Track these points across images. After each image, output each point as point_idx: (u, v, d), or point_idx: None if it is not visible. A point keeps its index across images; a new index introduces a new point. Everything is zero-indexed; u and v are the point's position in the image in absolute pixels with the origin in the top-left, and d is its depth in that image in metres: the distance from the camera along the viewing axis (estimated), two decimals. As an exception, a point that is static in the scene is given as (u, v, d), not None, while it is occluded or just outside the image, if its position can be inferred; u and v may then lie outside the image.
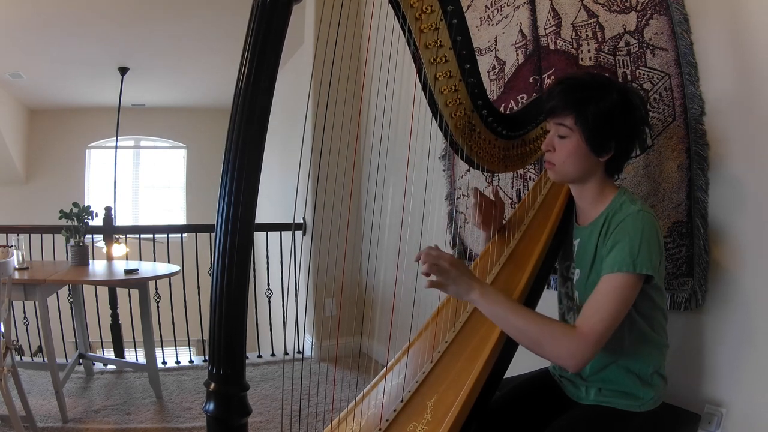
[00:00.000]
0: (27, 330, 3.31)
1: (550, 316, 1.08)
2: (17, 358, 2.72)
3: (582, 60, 1.70)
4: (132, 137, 6.72)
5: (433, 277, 1.05)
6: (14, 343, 2.35)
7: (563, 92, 1.12)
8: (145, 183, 6.96)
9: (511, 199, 2.04)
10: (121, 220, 5.54)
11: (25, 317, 3.33)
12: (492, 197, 1.42)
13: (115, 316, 3.47)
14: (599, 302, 1.02)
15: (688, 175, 1.38)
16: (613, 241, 1.07)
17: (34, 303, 2.51)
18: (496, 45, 2.13)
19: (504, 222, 1.46)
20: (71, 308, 3.03)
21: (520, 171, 1.96)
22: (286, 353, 3.41)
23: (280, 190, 4.80)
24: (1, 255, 2.20)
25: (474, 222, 1.43)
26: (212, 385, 0.76)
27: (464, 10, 1.13)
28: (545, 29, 1.86)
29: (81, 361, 2.91)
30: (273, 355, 3.37)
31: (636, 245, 1.02)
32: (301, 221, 3.42)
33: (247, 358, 2.71)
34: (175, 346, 3.67)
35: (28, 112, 6.15)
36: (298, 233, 3.44)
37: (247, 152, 0.76)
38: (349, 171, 3.09)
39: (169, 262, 3.11)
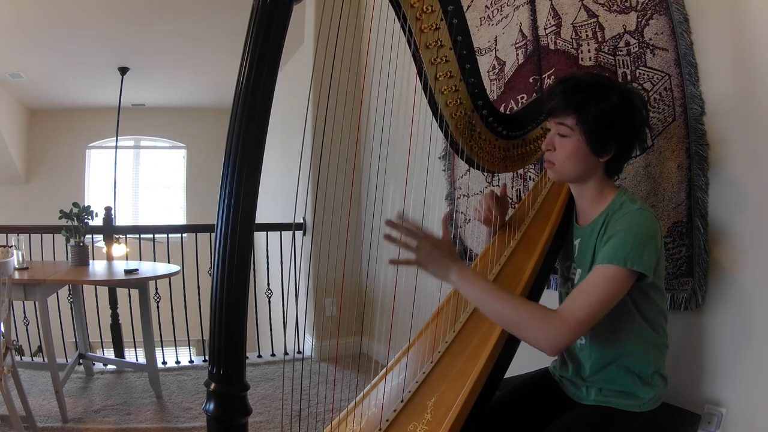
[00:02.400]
0: (27, 330, 3.31)
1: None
2: (17, 358, 2.72)
3: (582, 60, 1.70)
4: (132, 137, 6.72)
5: (411, 255, 1.04)
6: (14, 343, 2.34)
7: (565, 92, 1.12)
8: (145, 183, 6.96)
9: (512, 199, 2.03)
10: (121, 220, 5.54)
11: (25, 317, 3.33)
12: (499, 194, 1.44)
13: (115, 316, 3.47)
14: (584, 290, 1.02)
15: (688, 175, 1.38)
16: (609, 234, 1.07)
17: (34, 303, 2.51)
18: (496, 45, 2.13)
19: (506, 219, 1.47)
20: (71, 308, 3.03)
21: (520, 171, 1.96)
22: (286, 353, 3.41)
23: (280, 190, 4.80)
24: (1, 255, 2.20)
25: (479, 217, 1.45)
26: (212, 385, 0.76)
27: (464, 10, 1.13)
28: (545, 29, 1.86)
29: (81, 361, 2.91)
30: (273, 355, 3.37)
31: (630, 241, 1.02)
32: (301, 221, 3.42)
33: (247, 358, 2.70)
34: (175, 346, 3.67)
35: (28, 112, 6.15)
36: (298, 233, 3.44)
37: (247, 152, 0.76)
38: (349, 170, 3.09)
39: (169, 262, 3.11)
